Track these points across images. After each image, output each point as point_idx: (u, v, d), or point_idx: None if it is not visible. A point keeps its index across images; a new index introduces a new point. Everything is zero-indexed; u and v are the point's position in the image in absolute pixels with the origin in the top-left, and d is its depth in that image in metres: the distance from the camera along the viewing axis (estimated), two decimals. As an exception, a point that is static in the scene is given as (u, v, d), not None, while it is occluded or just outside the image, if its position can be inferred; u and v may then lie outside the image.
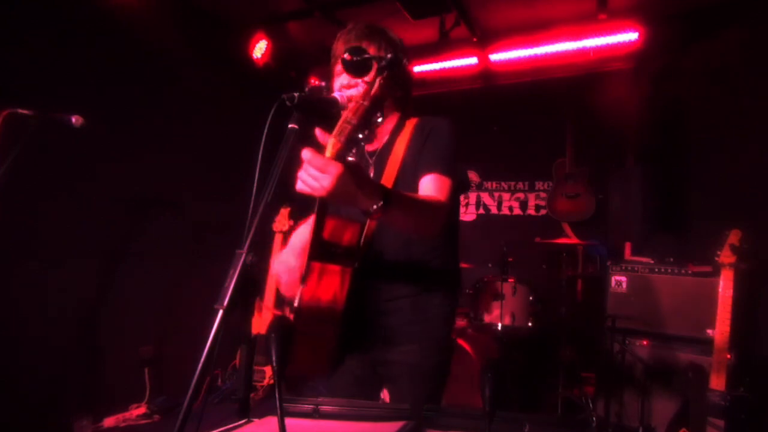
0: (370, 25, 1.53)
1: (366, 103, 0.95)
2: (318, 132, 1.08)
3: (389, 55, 0.99)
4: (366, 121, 0.94)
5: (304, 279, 1.27)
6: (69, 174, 3.02)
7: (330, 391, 1.54)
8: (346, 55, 1.16)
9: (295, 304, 1.33)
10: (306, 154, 0.95)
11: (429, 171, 1.41)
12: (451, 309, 1.59)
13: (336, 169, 0.95)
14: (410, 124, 1.55)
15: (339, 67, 1.48)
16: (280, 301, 4.09)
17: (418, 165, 1.44)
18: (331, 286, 1.25)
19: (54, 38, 2.95)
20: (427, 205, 1.32)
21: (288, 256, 1.44)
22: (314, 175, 0.96)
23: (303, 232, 1.56)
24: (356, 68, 1.14)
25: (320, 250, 1.26)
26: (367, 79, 1.34)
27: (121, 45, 3.28)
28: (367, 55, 1.15)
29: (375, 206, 1.07)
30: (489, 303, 3.50)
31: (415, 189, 1.42)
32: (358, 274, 1.31)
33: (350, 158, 0.95)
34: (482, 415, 0.92)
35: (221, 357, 4.00)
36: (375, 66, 0.99)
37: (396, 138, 1.53)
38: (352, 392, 1.50)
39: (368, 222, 1.42)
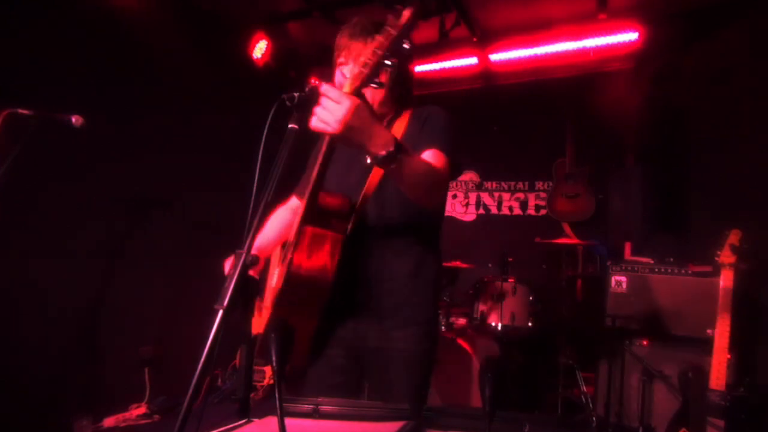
0: (376, 20, 1.53)
1: (394, 31, 0.95)
2: (338, 73, 1.17)
3: None
4: (394, 49, 0.95)
5: (295, 244, 1.25)
6: (69, 174, 3.02)
7: (312, 382, 1.49)
8: None
9: (282, 272, 1.30)
10: (324, 87, 0.97)
11: (428, 147, 1.42)
12: (436, 290, 1.58)
13: (352, 100, 0.96)
14: (406, 113, 1.57)
15: (342, 59, 1.51)
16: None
17: (416, 146, 1.43)
18: (323, 253, 1.24)
19: (54, 38, 2.94)
20: (432, 167, 1.32)
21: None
22: (330, 107, 0.96)
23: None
24: None
25: (313, 214, 1.26)
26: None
27: (121, 45, 3.28)
28: None
29: (385, 151, 1.07)
30: (489, 303, 3.49)
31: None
32: (350, 242, 1.31)
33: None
34: (482, 415, 0.92)
35: (221, 357, 4.00)
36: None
37: (393, 124, 1.55)
38: (336, 382, 1.47)
39: (363, 190, 1.43)
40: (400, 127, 1.53)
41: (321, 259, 1.23)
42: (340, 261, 1.27)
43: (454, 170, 1.47)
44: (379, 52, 0.98)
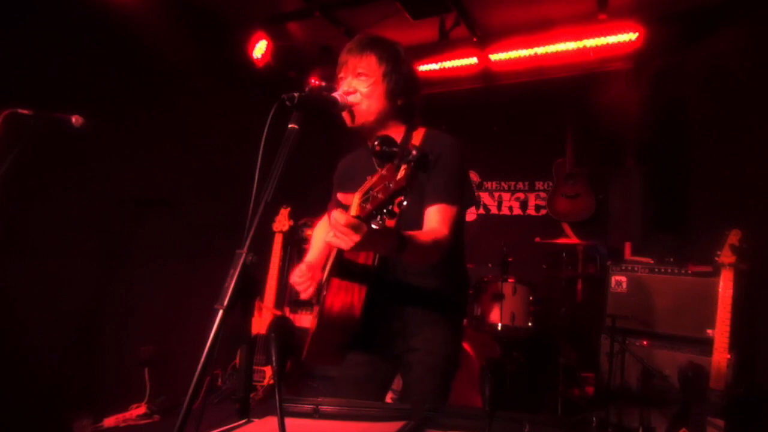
0: (374, 36, 1.60)
1: (392, 186, 1.01)
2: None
3: (414, 152, 1.04)
4: (389, 202, 1.02)
5: (326, 293, 1.40)
6: (69, 174, 3.02)
7: (336, 388, 1.60)
8: (376, 143, 1.24)
9: (317, 315, 1.48)
10: (336, 215, 1.06)
11: (435, 202, 1.44)
12: (459, 318, 1.67)
13: (361, 233, 1.06)
14: (417, 137, 1.55)
15: (341, 74, 1.56)
16: (280, 301, 4.09)
17: (423, 188, 1.46)
18: (349, 299, 1.40)
19: (54, 38, 2.94)
20: (431, 245, 1.37)
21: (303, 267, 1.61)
22: (341, 235, 1.07)
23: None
24: (382, 157, 1.22)
25: (340, 269, 1.40)
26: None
27: (121, 45, 3.28)
28: (396, 148, 1.22)
29: (390, 250, 1.20)
30: (489, 303, 3.49)
31: (420, 212, 1.46)
32: (373, 289, 1.41)
33: (374, 225, 1.04)
34: (482, 415, 0.92)
35: (221, 357, 4.00)
36: (399, 155, 1.07)
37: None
38: (358, 392, 1.54)
39: None
40: None
41: (348, 305, 1.40)
42: (365, 305, 1.40)
43: (463, 210, 1.52)
44: (381, 197, 1.01)
